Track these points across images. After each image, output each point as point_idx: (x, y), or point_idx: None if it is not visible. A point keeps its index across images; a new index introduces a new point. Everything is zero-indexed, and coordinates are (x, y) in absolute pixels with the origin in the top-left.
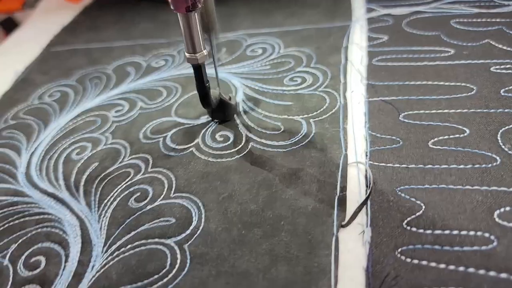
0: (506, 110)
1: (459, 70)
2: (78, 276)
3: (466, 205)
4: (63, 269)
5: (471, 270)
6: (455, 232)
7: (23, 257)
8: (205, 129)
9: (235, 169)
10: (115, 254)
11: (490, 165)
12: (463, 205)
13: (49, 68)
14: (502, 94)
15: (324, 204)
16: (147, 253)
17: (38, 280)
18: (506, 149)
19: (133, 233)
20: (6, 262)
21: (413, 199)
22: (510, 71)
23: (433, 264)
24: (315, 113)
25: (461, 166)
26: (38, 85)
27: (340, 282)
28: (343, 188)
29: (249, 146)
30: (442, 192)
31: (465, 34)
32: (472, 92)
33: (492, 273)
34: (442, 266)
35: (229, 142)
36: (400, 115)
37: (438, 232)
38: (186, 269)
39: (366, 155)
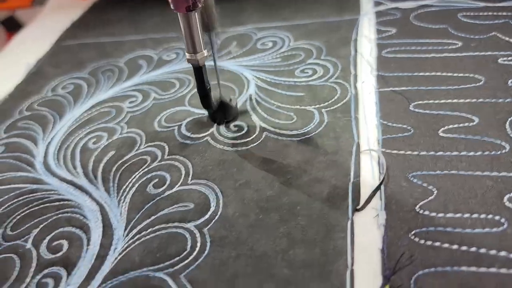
0: None
1: (466, 62)
2: (100, 258)
3: (477, 190)
4: (86, 252)
5: (482, 250)
6: (467, 215)
7: (45, 241)
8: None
9: (250, 157)
10: (136, 238)
11: (499, 152)
12: (474, 190)
13: (60, 61)
14: (510, 84)
15: (339, 189)
16: (167, 237)
17: (62, 262)
18: None
19: (153, 217)
20: (29, 245)
21: (425, 185)
22: None
23: (445, 245)
24: (326, 103)
25: (471, 153)
26: (50, 77)
27: (357, 263)
28: (357, 174)
29: (263, 136)
30: (453, 177)
31: (472, 27)
32: (480, 83)
33: (503, 253)
34: (455, 247)
35: (243, 132)
36: (410, 105)
37: (450, 215)
38: (206, 251)
39: (378, 143)
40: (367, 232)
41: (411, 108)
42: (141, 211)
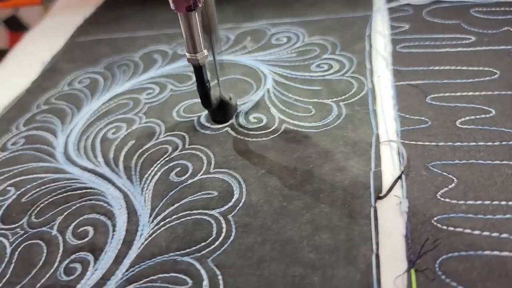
0: None
1: (481, 56)
2: (127, 243)
3: (496, 178)
4: (112, 238)
5: (504, 235)
6: (487, 202)
7: (70, 228)
8: (238, 111)
9: (271, 147)
10: (161, 224)
11: None
12: (493, 178)
13: (75, 57)
14: None
15: (360, 178)
16: (192, 223)
17: (88, 247)
18: None
19: (177, 204)
20: (54, 232)
21: (445, 173)
22: None
23: (468, 230)
24: (344, 96)
25: (489, 143)
26: (66, 73)
27: (381, 248)
28: (378, 164)
29: (283, 127)
30: (472, 167)
31: (485, 22)
32: (495, 76)
33: None
34: (477, 232)
35: (263, 123)
36: (427, 98)
37: (470, 202)
38: (232, 237)
39: (397, 135)
40: (390, 219)
41: (427, 100)
42: (165, 199)
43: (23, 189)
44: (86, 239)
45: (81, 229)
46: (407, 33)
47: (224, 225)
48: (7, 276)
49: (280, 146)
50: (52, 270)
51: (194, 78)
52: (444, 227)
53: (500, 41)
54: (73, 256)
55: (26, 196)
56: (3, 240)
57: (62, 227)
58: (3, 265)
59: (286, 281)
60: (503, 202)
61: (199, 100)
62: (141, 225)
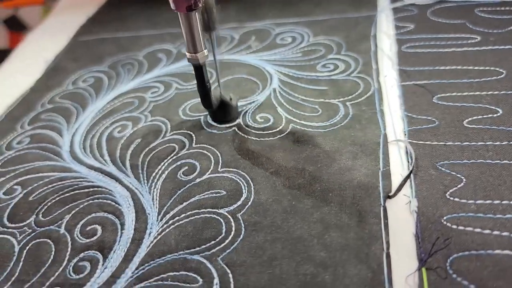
0: None
1: (487, 55)
2: (136, 241)
3: (505, 177)
4: (120, 236)
5: None
6: (497, 201)
7: (78, 226)
8: (244, 111)
9: (278, 147)
10: (170, 222)
11: None
12: (502, 177)
13: (79, 56)
14: None
15: (369, 178)
16: (202, 221)
17: (97, 246)
18: None
19: (185, 203)
20: (62, 230)
21: (453, 173)
22: None
23: (478, 230)
24: (350, 96)
25: (497, 143)
26: (70, 72)
27: (392, 247)
28: (386, 164)
29: (290, 127)
30: (481, 166)
31: (490, 21)
32: (502, 76)
33: None
34: (487, 231)
35: (270, 123)
36: (434, 97)
37: (480, 201)
38: (242, 235)
39: (405, 134)
40: (400, 218)
41: (434, 100)
42: (173, 197)
43: (30, 188)
44: (95, 237)
45: (89, 227)
46: (412, 33)
47: (233, 224)
48: (16, 274)
49: (288, 145)
50: (61, 269)
51: None
52: (454, 226)
53: (506, 40)
54: (82, 255)
55: (33, 195)
56: (11, 238)
57: (70, 226)
58: (12, 264)
59: (298, 279)
60: None
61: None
62: (150, 223)
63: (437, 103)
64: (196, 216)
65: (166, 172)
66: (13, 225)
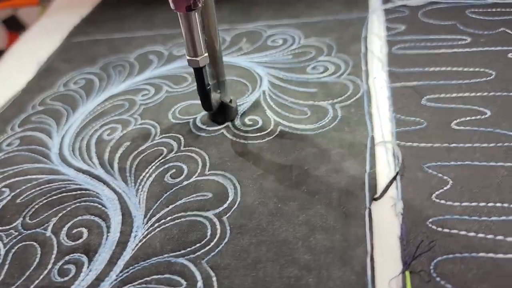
0: None
1: (476, 57)
2: (122, 244)
3: (492, 179)
4: (106, 239)
5: (499, 237)
6: (483, 204)
7: (65, 229)
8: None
9: (266, 149)
10: (156, 225)
11: None
12: (489, 180)
13: (71, 57)
14: None
15: (356, 180)
16: (187, 224)
17: (83, 249)
18: None
19: (171, 206)
20: (48, 233)
21: (440, 175)
22: None
23: (463, 232)
24: (340, 98)
25: (485, 145)
26: (62, 73)
27: (376, 249)
28: (373, 165)
29: (278, 129)
30: (468, 168)
31: (480, 23)
32: (491, 77)
33: None
34: (472, 234)
35: (258, 126)
36: (423, 99)
37: (466, 204)
38: (227, 238)
39: (393, 136)
40: (385, 220)
41: (423, 102)
42: (160, 200)
43: (18, 190)
44: (81, 240)
45: (76, 230)
46: (403, 34)
47: (218, 227)
48: (1, 277)
49: (276, 148)
50: (46, 272)
51: (189, 80)
52: (439, 229)
53: (496, 42)
54: (67, 258)
55: (21, 197)
56: None
57: (57, 229)
58: None
59: (282, 282)
60: (498, 204)
61: (195, 102)
62: (136, 226)
63: (425, 105)
64: (182, 219)
65: (154, 175)
66: (0, 228)
